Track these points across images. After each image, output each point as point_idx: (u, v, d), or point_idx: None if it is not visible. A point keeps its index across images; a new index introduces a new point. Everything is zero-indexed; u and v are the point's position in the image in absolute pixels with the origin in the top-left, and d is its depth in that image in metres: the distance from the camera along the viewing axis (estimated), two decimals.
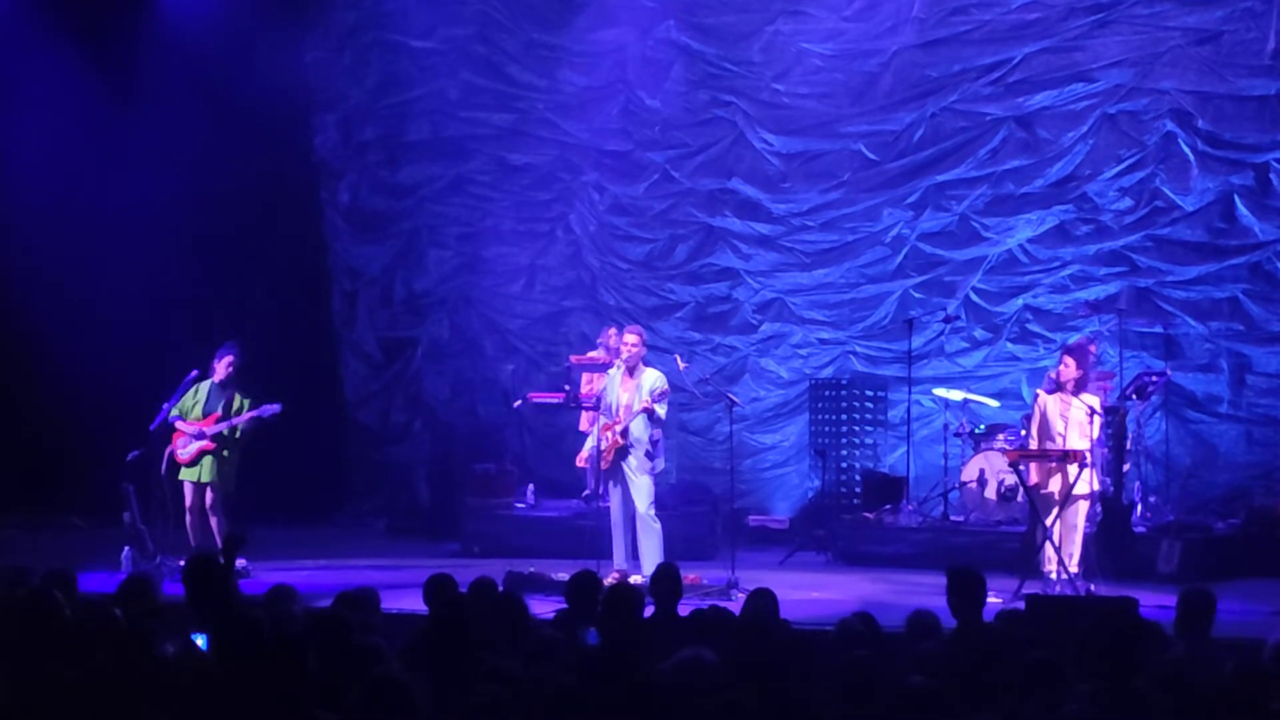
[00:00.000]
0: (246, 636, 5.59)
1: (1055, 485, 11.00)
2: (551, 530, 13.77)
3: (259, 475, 12.76)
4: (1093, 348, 12.08)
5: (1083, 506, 11.06)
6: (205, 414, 12.16)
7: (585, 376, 13.88)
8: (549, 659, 6.30)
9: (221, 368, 12.18)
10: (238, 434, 12.15)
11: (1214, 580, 9.80)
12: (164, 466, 12.10)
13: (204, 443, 12.09)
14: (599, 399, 11.99)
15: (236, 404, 12.16)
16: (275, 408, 12.14)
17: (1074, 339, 12.59)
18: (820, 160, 15.39)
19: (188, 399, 12.22)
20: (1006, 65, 14.55)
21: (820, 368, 15.55)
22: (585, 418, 13.54)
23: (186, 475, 12.16)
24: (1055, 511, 10.89)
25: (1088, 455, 10.85)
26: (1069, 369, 11.12)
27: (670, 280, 16.08)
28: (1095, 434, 11.06)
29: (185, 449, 12.11)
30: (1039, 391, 11.57)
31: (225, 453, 12.16)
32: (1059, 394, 11.19)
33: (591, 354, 14.35)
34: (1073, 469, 10.81)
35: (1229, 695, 5.62)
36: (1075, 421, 11.06)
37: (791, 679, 6.03)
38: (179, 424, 12.16)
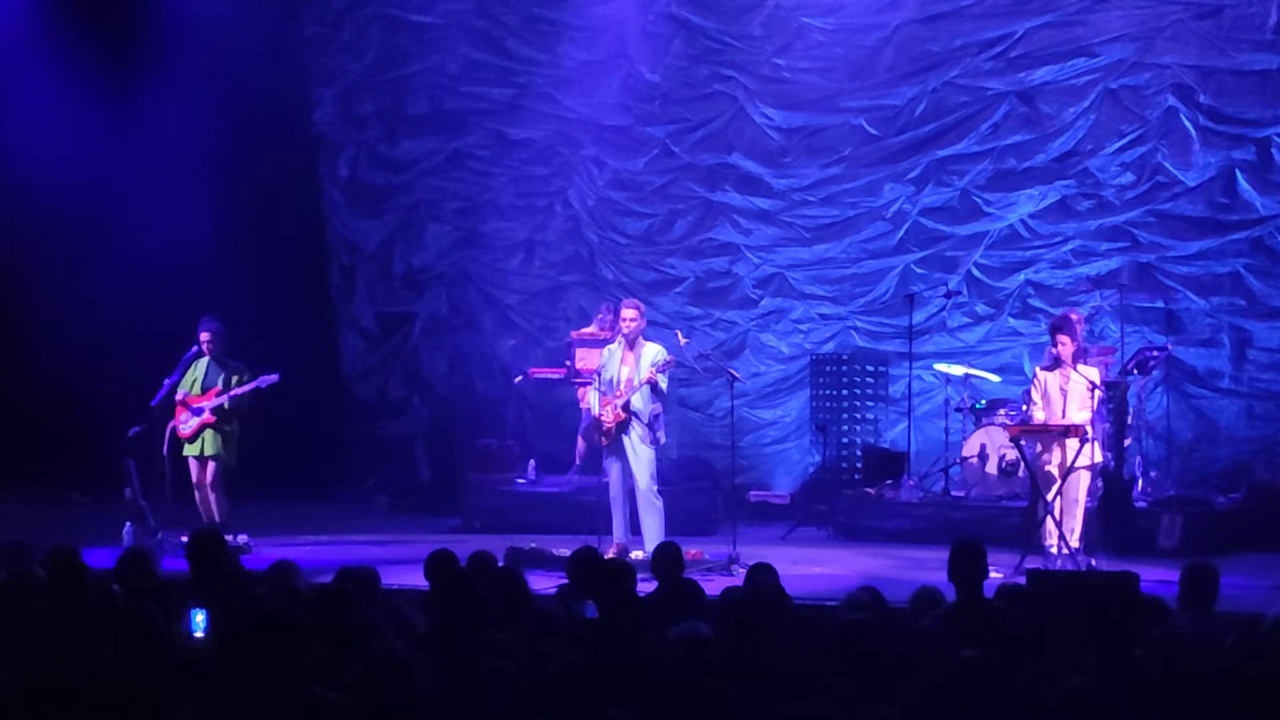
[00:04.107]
0: (248, 612, 5.60)
1: (1056, 460, 10.99)
2: (552, 505, 13.80)
3: (259, 450, 12.78)
4: (1074, 315, 12.00)
5: (1084, 481, 11.05)
6: (204, 390, 12.25)
7: (579, 353, 13.82)
8: (550, 634, 6.31)
9: (204, 344, 12.25)
10: (227, 406, 12.19)
11: (1215, 555, 9.82)
12: (166, 443, 12.15)
13: (203, 417, 12.17)
14: (598, 374, 11.96)
15: (236, 377, 12.22)
16: (273, 378, 12.23)
17: (1058, 314, 12.46)
18: (821, 135, 15.36)
19: (188, 377, 12.27)
20: (1008, 40, 14.50)
21: (821, 343, 15.53)
22: (583, 393, 13.53)
23: (189, 451, 12.27)
24: (1056, 486, 10.89)
25: (1088, 429, 10.85)
26: (1067, 346, 11.10)
27: (670, 255, 16.05)
28: (1094, 406, 11.05)
29: (186, 424, 12.21)
30: (1038, 369, 11.54)
31: (226, 427, 12.23)
32: (1058, 370, 11.18)
33: (586, 330, 14.31)
34: (1073, 443, 10.80)
35: (1229, 669, 5.63)
36: (1075, 395, 11.06)
37: (791, 653, 6.04)
38: (184, 399, 12.25)
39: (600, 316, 14.17)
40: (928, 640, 5.85)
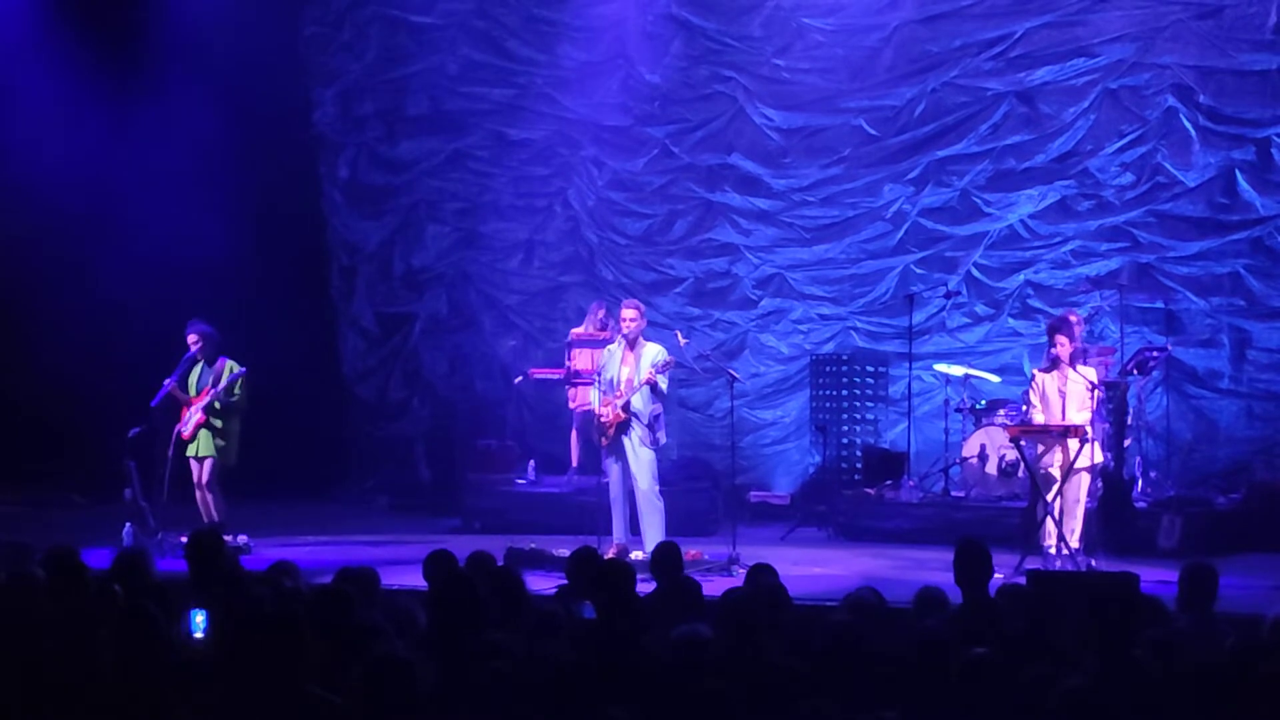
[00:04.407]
0: (248, 612, 5.59)
1: (1056, 461, 10.98)
2: (552, 506, 13.80)
3: (259, 450, 12.80)
4: (1072, 316, 12.02)
5: (1084, 481, 11.04)
6: (198, 391, 12.36)
7: (573, 353, 13.80)
8: (549, 634, 6.31)
9: (192, 346, 12.34)
10: (219, 405, 12.23)
11: (1214, 555, 9.82)
12: (171, 446, 12.19)
13: (198, 417, 12.26)
14: (599, 374, 11.95)
15: (226, 374, 12.29)
16: (242, 370, 12.30)
17: (1056, 315, 12.45)
18: (821, 135, 15.36)
19: (190, 379, 12.35)
20: (1008, 40, 14.51)
21: (821, 343, 15.53)
22: (579, 393, 13.51)
23: (189, 451, 12.35)
24: (1056, 487, 10.89)
25: (1088, 430, 10.84)
26: (1065, 346, 11.09)
27: (669, 255, 16.05)
28: (1094, 406, 11.05)
29: (186, 425, 12.31)
30: (1035, 371, 11.53)
31: (218, 424, 12.27)
32: (1055, 371, 11.17)
33: (579, 329, 14.29)
34: (1073, 444, 10.80)
35: (1228, 669, 5.63)
36: (1074, 396, 11.05)
37: (791, 653, 6.04)
38: (186, 400, 12.34)
39: (595, 316, 14.13)
40: (930, 641, 5.86)
